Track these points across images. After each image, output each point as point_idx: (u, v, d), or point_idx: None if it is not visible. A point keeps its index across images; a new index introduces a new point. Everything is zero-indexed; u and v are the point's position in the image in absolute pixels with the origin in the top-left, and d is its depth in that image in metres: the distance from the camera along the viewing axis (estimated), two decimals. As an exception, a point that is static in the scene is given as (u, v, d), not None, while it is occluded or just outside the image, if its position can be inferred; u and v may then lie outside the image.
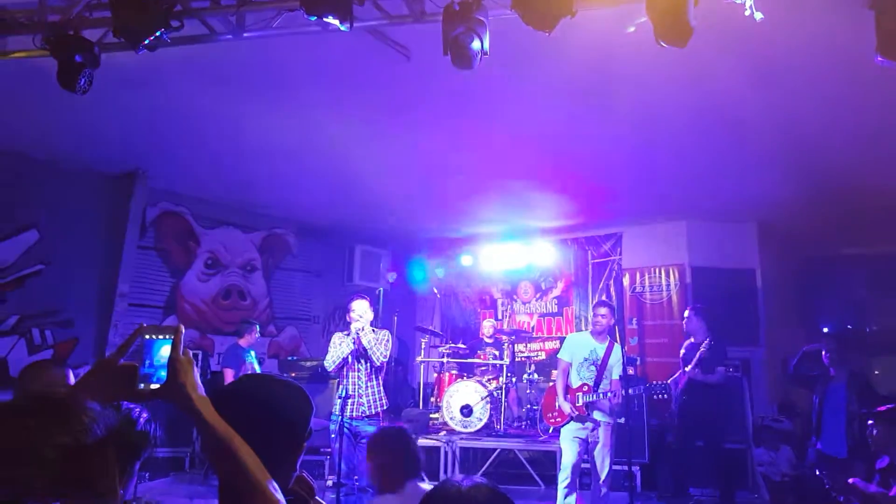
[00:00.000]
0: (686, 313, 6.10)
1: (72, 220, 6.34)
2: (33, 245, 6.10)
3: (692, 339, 5.86)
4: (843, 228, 7.82)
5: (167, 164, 6.42)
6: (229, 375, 5.94)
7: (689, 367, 5.52)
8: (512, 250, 8.71)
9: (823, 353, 4.72)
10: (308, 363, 7.41)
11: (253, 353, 6.24)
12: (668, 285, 7.80)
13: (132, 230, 6.69)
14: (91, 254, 6.48)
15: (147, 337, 1.08)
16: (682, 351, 5.91)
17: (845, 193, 6.46)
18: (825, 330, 8.29)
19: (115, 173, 6.60)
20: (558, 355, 5.02)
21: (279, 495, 1.04)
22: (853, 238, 8.20)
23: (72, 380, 2.59)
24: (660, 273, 7.90)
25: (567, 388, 4.73)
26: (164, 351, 1.06)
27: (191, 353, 1.09)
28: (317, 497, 1.42)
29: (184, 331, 1.10)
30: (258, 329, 6.39)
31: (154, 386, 1.05)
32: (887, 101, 4.37)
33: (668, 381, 5.20)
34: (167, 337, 1.07)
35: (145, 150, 6.02)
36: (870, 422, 3.75)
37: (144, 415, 1.60)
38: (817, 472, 4.57)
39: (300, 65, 4.20)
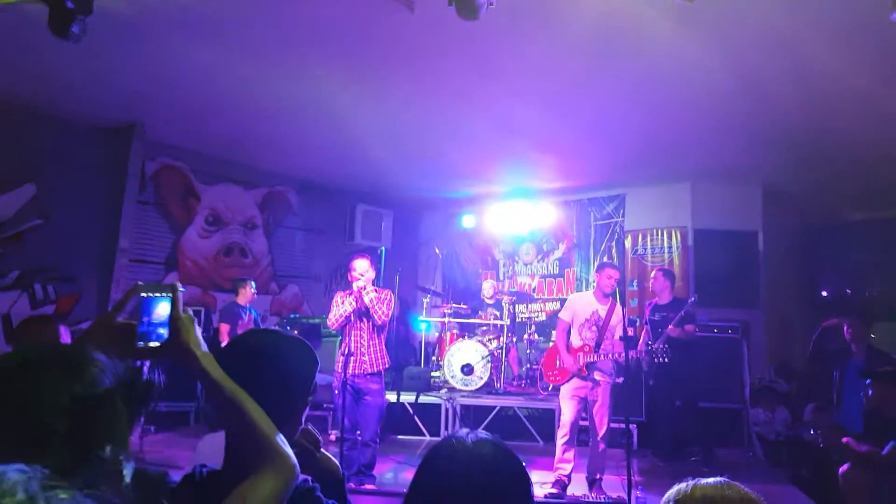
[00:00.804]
0: (652, 273, 6.13)
1: (70, 174, 6.26)
2: (31, 199, 6.05)
3: (656, 300, 5.88)
4: (846, 193, 7.75)
5: (165, 118, 6.30)
6: (224, 330, 5.98)
7: (671, 325, 5.49)
8: (514, 211, 8.65)
9: (845, 328, 4.74)
10: (308, 321, 7.45)
11: (251, 310, 6.26)
12: (671, 247, 7.79)
13: (131, 185, 6.61)
14: (91, 209, 6.42)
15: (143, 295, 1.04)
16: (647, 312, 5.88)
17: (850, 159, 6.37)
18: (823, 294, 8.33)
19: (112, 126, 6.48)
20: (559, 315, 5.03)
21: (287, 448, 1.03)
22: (857, 203, 8.14)
23: (64, 337, 2.60)
24: (662, 235, 7.88)
25: (568, 348, 4.77)
26: (162, 309, 1.03)
27: (191, 310, 1.06)
28: (322, 450, 1.42)
29: (181, 288, 1.07)
30: (253, 285, 6.35)
31: (154, 344, 1.02)
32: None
33: (657, 345, 5.15)
34: (165, 295, 1.04)
35: (143, 102, 5.89)
36: (868, 381, 3.81)
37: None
38: (812, 432, 4.66)
39: (299, 17, 4.06)
